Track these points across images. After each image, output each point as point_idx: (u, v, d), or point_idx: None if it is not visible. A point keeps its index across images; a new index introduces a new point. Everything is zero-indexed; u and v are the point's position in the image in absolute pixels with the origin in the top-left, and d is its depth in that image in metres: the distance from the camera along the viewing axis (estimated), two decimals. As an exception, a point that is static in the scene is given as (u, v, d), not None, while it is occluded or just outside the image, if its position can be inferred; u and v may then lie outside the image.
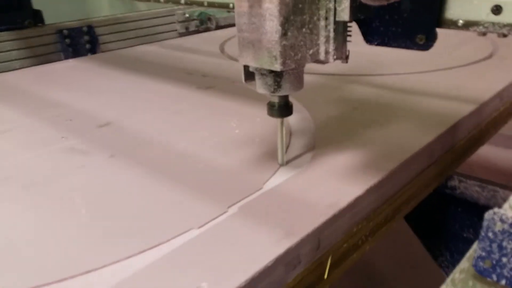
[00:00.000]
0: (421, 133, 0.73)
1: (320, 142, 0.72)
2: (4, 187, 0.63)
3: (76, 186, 0.62)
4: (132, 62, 1.32)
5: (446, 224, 0.86)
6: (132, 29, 1.83)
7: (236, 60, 1.31)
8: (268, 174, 0.63)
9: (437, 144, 0.74)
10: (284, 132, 0.63)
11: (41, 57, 1.58)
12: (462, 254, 0.89)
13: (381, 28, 0.53)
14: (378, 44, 0.54)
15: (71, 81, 1.14)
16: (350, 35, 0.54)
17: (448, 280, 0.44)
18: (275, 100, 0.59)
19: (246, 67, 0.55)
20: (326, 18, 0.51)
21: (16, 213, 0.57)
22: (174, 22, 1.96)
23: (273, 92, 0.54)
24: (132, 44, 1.77)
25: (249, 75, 0.56)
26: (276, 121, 0.62)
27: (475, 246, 0.44)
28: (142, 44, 1.72)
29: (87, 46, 1.70)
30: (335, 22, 0.51)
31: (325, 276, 0.54)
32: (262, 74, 0.54)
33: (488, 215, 0.40)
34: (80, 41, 1.68)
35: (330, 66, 0.63)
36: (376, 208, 0.63)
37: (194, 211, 0.55)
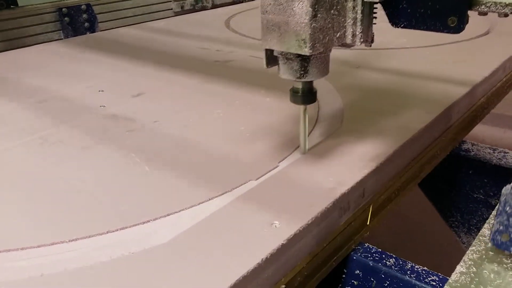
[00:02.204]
0: (442, 98, 0.80)
1: (349, 112, 0.77)
2: (63, 149, 0.66)
3: (132, 147, 0.66)
4: (142, 38, 1.34)
5: (457, 186, 0.93)
6: (128, 8, 1.84)
7: (245, 35, 1.35)
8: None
9: (454, 108, 0.80)
10: (307, 120, 0.60)
11: (41, 36, 1.58)
12: (472, 214, 0.96)
13: (408, 9, 0.49)
14: (404, 27, 0.51)
15: (89, 56, 1.16)
16: (375, 17, 0.52)
17: (466, 255, 0.45)
18: (299, 86, 0.55)
19: (268, 51, 0.52)
20: None
21: (90, 170, 0.61)
22: (170, 1, 1.97)
23: (299, 78, 0.52)
24: (128, 23, 1.77)
25: (272, 59, 0.53)
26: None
27: (492, 221, 0.48)
28: (138, 23, 1.72)
29: (86, 24, 1.70)
30: (363, 3, 0.49)
31: (368, 222, 0.60)
32: (287, 59, 0.51)
33: (505, 189, 0.41)
34: (79, 20, 1.68)
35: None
36: (406, 165, 0.69)
37: (248, 166, 0.60)
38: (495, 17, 1.45)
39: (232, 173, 0.59)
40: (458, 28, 0.48)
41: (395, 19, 0.51)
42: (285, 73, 0.52)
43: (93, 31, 1.68)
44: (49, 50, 1.26)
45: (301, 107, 0.58)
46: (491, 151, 0.84)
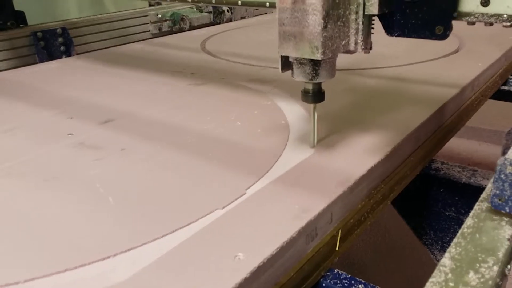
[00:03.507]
0: (411, 118, 0.81)
1: (327, 130, 0.77)
2: (26, 181, 0.65)
3: (97, 177, 0.65)
4: (117, 62, 1.34)
5: (429, 204, 0.93)
6: (105, 31, 1.83)
7: (219, 57, 1.35)
8: (275, 157, 0.68)
9: (422, 128, 0.81)
10: (316, 116, 0.68)
11: (15, 60, 1.57)
12: (445, 231, 0.96)
13: (401, 20, 0.58)
14: (398, 35, 0.59)
15: (62, 81, 1.15)
16: (373, 27, 0.60)
17: (470, 216, 0.54)
18: (309, 87, 0.65)
19: (283, 58, 0.60)
20: (357, 12, 0.57)
21: (51, 203, 0.59)
22: (147, 23, 1.97)
23: (311, 79, 0.60)
24: (105, 45, 1.77)
25: (286, 64, 0.61)
26: (309, 106, 0.68)
27: (489, 186, 0.57)
28: (115, 45, 1.71)
29: (62, 48, 1.69)
30: (363, 16, 0.57)
31: (337, 248, 0.60)
32: (301, 64, 0.60)
33: (500, 161, 0.50)
34: (54, 43, 1.67)
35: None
36: (375, 187, 0.69)
37: (214, 194, 0.60)
38: (464, 34, 1.48)
39: (198, 201, 0.58)
40: (444, 35, 0.56)
41: (390, 29, 0.60)
42: (298, 75, 0.61)
43: (69, 55, 1.67)
44: (22, 75, 1.24)
45: (311, 105, 0.67)
46: (460, 169, 0.85)
